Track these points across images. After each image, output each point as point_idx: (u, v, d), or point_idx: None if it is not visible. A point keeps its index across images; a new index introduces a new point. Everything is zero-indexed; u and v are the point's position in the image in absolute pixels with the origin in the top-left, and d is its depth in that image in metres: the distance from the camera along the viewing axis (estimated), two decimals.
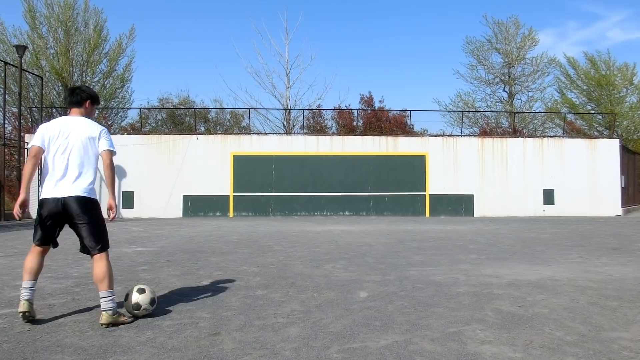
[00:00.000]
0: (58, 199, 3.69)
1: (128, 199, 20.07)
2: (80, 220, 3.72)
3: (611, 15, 56.30)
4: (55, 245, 3.92)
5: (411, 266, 6.64)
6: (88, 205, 3.76)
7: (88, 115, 4.01)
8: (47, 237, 3.79)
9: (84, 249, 3.78)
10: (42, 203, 3.72)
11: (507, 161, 21.41)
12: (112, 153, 3.88)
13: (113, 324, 3.64)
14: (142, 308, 3.87)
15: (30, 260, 3.77)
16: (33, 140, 3.82)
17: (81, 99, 3.97)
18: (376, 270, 6.31)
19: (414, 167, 21.01)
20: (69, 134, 3.80)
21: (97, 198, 3.90)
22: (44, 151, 3.78)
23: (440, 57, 55.01)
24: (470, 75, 31.51)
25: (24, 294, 3.68)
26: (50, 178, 3.74)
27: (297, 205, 20.54)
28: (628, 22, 52.47)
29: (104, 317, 3.63)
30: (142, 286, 3.97)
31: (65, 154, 3.77)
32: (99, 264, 3.76)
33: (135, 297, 3.86)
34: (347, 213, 20.58)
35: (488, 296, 4.72)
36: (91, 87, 25.16)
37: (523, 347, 3.18)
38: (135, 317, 3.86)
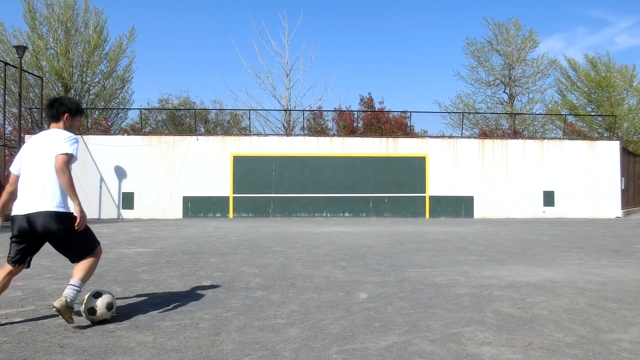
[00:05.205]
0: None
1: (128, 200, 20.06)
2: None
3: (619, 21, 56.58)
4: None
5: (411, 267, 6.64)
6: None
7: (68, 129, 3.81)
8: None
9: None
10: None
11: (507, 163, 21.41)
12: (66, 156, 3.56)
13: (61, 312, 3.50)
14: (97, 313, 3.68)
15: None
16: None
17: (57, 112, 3.80)
18: (376, 271, 6.32)
19: (414, 168, 21.02)
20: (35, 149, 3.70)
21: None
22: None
23: (441, 58, 55.14)
24: (470, 76, 31.55)
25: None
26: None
27: (297, 206, 20.54)
28: (636, 27, 52.66)
29: (59, 301, 3.51)
30: (99, 290, 3.82)
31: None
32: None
33: (91, 301, 3.68)
34: (347, 214, 20.58)
35: (488, 297, 4.73)
36: (91, 88, 25.28)
37: (522, 349, 3.19)
38: (92, 322, 3.70)
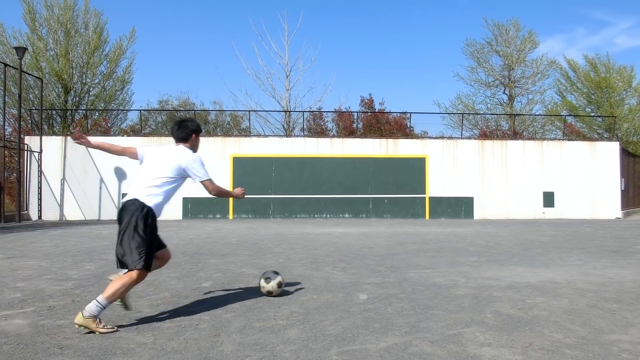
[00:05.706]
0: None
1: None
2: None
3: (619, 22, 56.66)
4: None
5: (411, 268, 6.64)
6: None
7: (193, 147, 4.13)
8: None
9: None
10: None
11: (507, 163, 21.42)
12: (209, 180, 4.13)
13: (84, 326, 3.46)
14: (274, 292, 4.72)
15: None
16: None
17: (187, 134, 4.09)
18: (376, 272, 6.31)
19: (414, 169, 21.02)
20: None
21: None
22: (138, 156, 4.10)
23: (441, 59, 55.16)
24: (470, 77, 31.53)
25: None
26: None
27: (297, 207, 20.53)
28: (635, 28, 52.76)
29: (77, 316, 3.49)
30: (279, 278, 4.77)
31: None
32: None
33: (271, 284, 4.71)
34: (346, 215, 20.57)
35: (487, 298, 4.73)
36: (91, 89, 25.25)
37: (522, 350, 3.19)
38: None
